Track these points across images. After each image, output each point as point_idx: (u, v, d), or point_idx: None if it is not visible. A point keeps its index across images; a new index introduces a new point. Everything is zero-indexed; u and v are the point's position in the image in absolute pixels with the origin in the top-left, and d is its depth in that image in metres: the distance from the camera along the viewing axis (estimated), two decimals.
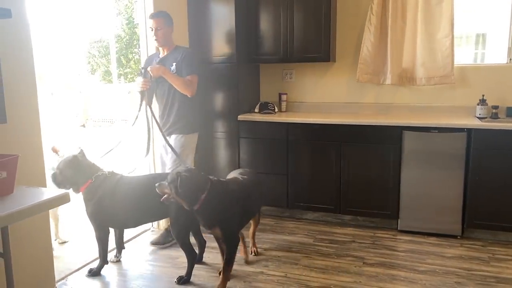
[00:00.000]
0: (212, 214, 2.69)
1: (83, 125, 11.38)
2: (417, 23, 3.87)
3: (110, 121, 11.17)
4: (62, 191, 2.16)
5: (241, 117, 4.07)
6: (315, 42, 3.99)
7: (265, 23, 4.11)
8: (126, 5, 12.19)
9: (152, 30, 3.30)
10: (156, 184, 2.66)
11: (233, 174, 3.11)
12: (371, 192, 3.75)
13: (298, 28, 4.01)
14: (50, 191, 2.19)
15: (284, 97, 4.41)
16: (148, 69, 3.25)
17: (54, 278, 2.74)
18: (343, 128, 3.77)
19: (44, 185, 2.58)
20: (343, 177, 3.81)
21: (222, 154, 4.18)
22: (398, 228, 3.74)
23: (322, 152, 3.86)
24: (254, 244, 3.34)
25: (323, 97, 4.38)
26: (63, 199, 2.13)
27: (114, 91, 10.58)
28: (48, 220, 2.69)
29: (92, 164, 2.93)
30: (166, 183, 2.63)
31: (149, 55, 3.64)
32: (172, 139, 3.41)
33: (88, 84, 12.82)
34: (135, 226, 3.20)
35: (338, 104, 4.31)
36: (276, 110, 4.32)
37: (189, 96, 3.34)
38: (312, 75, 4.39)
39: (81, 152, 2.91)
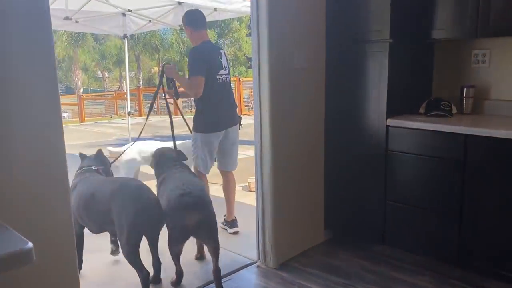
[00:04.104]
0: None
1: None
2: None
3: None
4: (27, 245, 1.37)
5: (392, 121, 2.75)
6: None
7: None
8: None
9: None
10: None
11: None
12: None
13: None
14: (19, 239, 1.41)
15: (469, 92, 2.88)
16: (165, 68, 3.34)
17: None
18: None
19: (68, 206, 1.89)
20: None
21: (363, 173, 2.93)
22: None
23: None
24: None
25: None
26: (19, 260, 1.33)
27: None
28: (73, 248, 1.97)
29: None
30: None
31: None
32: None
33: None
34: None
35: None
36: (454, 111, 2.84)
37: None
38: None
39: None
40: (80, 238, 2.75)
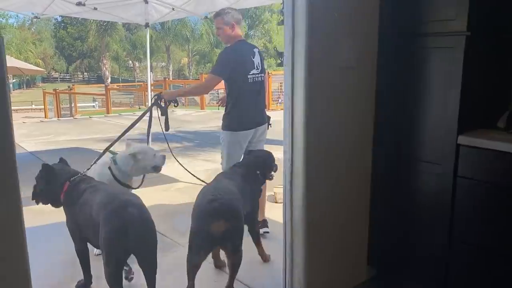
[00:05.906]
0: None
1: None
2: None
3: None
4: None
5: (464, 139, 2.12)
6: None
7: None
8: None
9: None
10: None
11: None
12: None
13: None
14: None
15: None
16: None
17: None
18: None
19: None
20: None
21: (422, 202, 2.32)
22: None
23: None
24: None
25: None
26: None
27: None
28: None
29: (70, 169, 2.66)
30: None
31: None
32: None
33: None
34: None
35: None
36: None
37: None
38: None
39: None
40: (83, 254, 2.54)
